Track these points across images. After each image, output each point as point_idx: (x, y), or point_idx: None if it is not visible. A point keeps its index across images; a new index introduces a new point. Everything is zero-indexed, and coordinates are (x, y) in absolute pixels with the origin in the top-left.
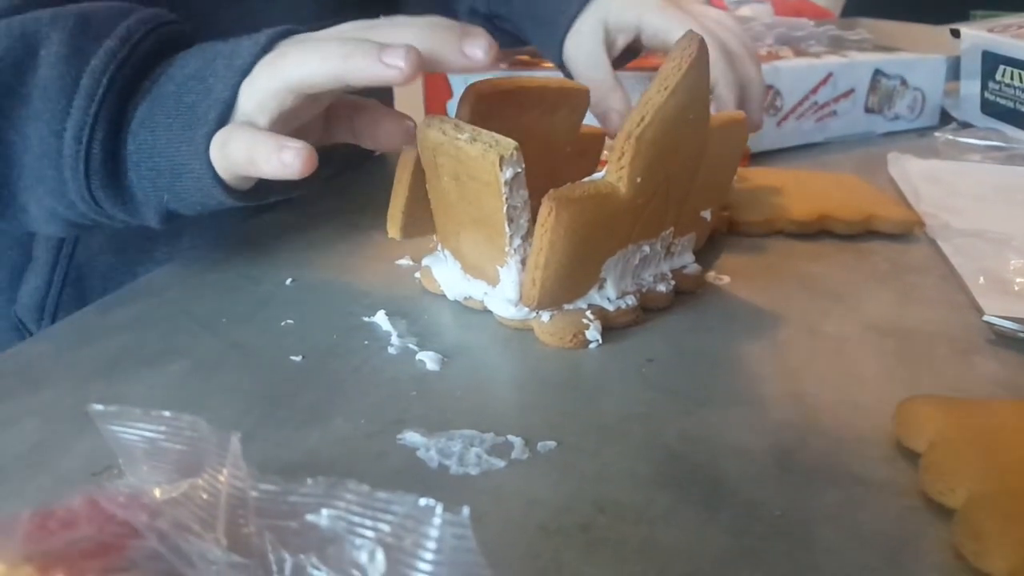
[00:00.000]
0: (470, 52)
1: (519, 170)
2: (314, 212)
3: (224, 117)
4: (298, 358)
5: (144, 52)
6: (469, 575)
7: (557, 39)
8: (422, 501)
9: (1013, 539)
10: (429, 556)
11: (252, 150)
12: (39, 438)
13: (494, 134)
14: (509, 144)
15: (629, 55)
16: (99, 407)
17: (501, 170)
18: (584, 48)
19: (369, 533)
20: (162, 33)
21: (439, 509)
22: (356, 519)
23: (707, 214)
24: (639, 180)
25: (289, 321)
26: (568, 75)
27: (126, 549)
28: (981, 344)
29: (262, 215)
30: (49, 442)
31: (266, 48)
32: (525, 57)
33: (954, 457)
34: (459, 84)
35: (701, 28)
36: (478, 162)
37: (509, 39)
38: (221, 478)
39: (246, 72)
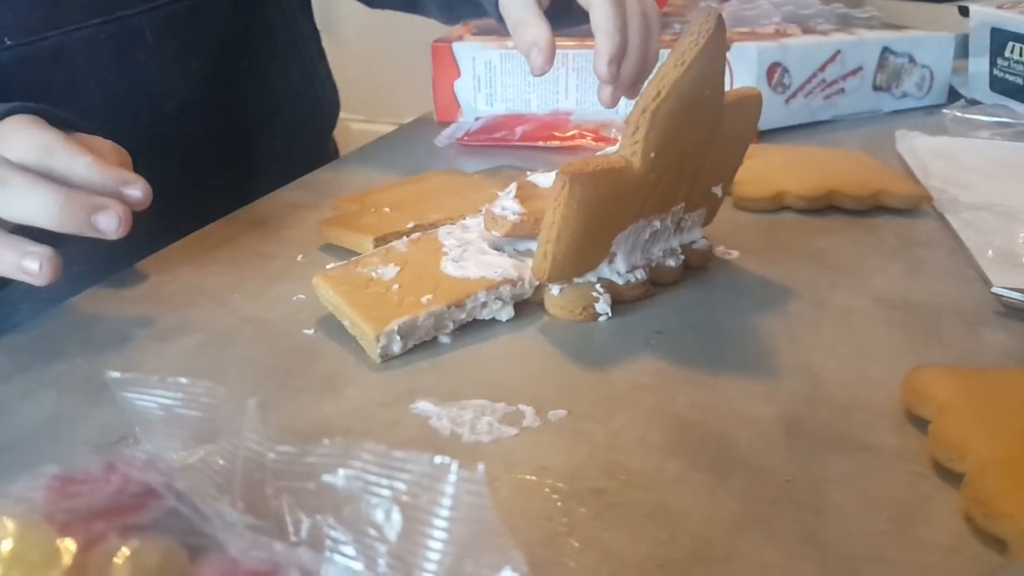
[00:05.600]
0: (101, 226)
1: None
2: (324, 191)
3: None
4: (310, 331)
5: None
6: (484, 532)
7: None
8: (438, 459)
9: (1021, 502)
10: (444, 513)
11: None
12: (55, 410)
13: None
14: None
15: (578, 17)
16: (116, 374)
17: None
18: None
19: (385, 492)
20: None
21: (455, 467)
22: (372, 479)
23: (718, 190)
24: (653, 155)
25: (301, 296)
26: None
27: (145, 509)
28: (989, 316)
29: (272, 193)
30: (65, 414)
31: None
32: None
33: (963, 423)
34: (467, 63)
35: None
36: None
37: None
38: (238, 443)
39: None
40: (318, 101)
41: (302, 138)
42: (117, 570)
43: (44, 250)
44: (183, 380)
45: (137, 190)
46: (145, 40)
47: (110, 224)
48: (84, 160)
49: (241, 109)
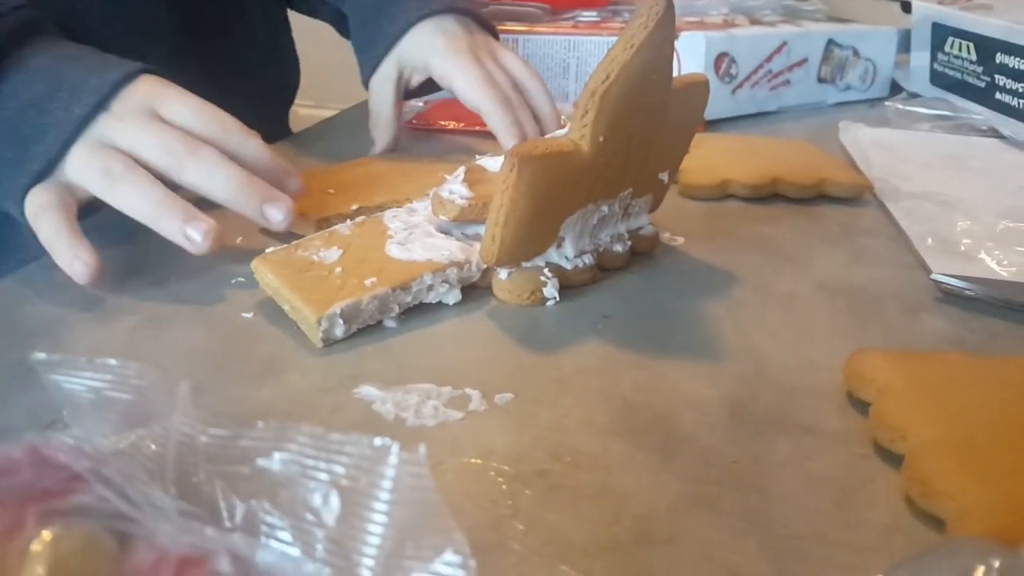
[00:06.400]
0: (270, 216)
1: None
2: None
3: (46, 172)
4: (249, 315)
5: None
6: (425, 514)
7: (369, 68)
8: (378, 441)
9: (958, 482)
10: (385, 496)
11: (52, 243)
12: None
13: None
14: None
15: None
16: (42, 355)
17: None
18: (379, 82)
19: (323, 476)
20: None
21: (395, 448)
22: (309, 462)
23: (664, 176)
24: (602, 139)
25: (240, 279)
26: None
27: (69, 494)
28: (928, 302)
29: None
30: None
31: (108, 96)
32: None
33: (902, 406)
34: None
35: (483, 75)
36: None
37: None
38: (170, 426)
39: (84, 122)
40: (280, 68)
41: (264, 107)
42: (36, 556)
43: (210, 222)
44: (112, 362)
45: (295, 183)
46: None
47: (277, 216)
48: (254, 143)
49: (215, 66)
